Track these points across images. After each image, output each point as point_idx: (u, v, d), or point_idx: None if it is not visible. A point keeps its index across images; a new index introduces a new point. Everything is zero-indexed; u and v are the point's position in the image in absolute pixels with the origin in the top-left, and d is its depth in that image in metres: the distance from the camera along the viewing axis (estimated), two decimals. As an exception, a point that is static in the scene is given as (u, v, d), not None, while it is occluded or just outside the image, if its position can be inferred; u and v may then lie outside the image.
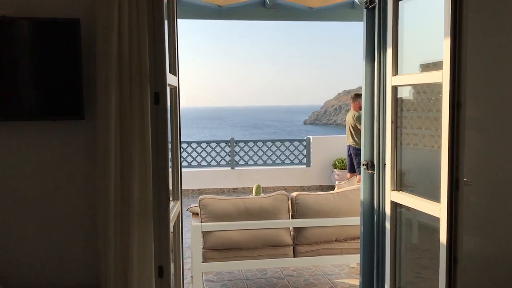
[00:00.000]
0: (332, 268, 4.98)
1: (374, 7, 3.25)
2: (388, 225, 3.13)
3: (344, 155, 8.98)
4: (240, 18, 7.11)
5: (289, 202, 4.39)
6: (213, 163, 9.74)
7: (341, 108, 79.79)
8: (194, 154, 9.65)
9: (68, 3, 2.56)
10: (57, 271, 2.67)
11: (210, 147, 9.74)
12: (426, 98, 3.05)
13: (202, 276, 4.38)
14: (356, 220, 4.09)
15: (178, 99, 3.08)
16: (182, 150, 8.95)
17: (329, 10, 6.66)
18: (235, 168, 9.74)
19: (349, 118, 7.91)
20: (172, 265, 2.68)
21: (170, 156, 2.76)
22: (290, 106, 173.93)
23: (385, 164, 3.15)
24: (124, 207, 2.42)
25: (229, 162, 9.75)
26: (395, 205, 3.10)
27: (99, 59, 2.37)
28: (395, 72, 3.03)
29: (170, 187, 2.67)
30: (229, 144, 9.74)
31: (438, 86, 2.79)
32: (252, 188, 5.62)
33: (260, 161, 9.91)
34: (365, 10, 3.36)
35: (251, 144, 9.95)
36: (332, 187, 9.28)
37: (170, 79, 2.75)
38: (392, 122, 3.06)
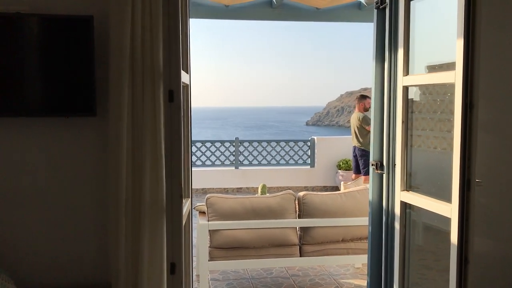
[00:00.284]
0: (338, 268, 4.98)
1: (385, 8, 3.24)
2: (397, 225, 3.12)
3: (349, 156, 8.98)
4: (246, 18, 7.09)
5: (296, 202, 4.39)
6: (218, 162, 9.74)
7: (343, 109, 79.73)
8: (198, 153, 9.66)
9: (82, 0, 2.56)
10: (67, 267, 2.67)
11: (215, 146, 9.74)
12: (432, 99, 3.05)
13: (208, 274, 4.38)
14: (363, 221, 4.10)
15: (189, 97, 3.09)
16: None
17: (336, 11, 6.66)
18: (239, 168, 9.74)
19: (354, 119, 7.91)
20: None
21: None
22: (292, 107, 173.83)
23: (395, 164, 3.15)
24: (136, 204, 2.42)
25: (233, 162, 9.75)
26: (404, 205, 3.09)
27: (112, 56, 2.37)
28: (406, 72, 3.03)
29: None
30: (234, 144, 9.74)
31: (446, 87, 2.79)
32: (257, 188, 5.61)
33: (264, 161, 9.90)
34: (375, 11, 3.36)
35: (255, 144, 9.94)
36: (336, 188, 9.28)
37: (183, 76, 2.76)
38: (402, 122, 3.06)
